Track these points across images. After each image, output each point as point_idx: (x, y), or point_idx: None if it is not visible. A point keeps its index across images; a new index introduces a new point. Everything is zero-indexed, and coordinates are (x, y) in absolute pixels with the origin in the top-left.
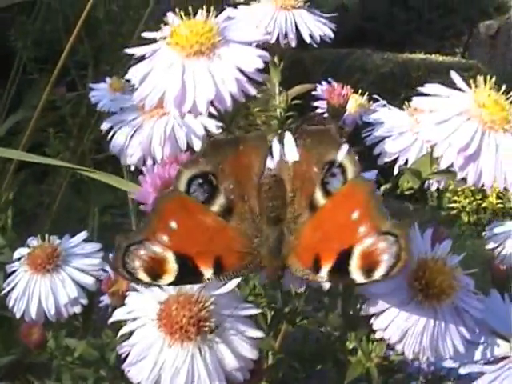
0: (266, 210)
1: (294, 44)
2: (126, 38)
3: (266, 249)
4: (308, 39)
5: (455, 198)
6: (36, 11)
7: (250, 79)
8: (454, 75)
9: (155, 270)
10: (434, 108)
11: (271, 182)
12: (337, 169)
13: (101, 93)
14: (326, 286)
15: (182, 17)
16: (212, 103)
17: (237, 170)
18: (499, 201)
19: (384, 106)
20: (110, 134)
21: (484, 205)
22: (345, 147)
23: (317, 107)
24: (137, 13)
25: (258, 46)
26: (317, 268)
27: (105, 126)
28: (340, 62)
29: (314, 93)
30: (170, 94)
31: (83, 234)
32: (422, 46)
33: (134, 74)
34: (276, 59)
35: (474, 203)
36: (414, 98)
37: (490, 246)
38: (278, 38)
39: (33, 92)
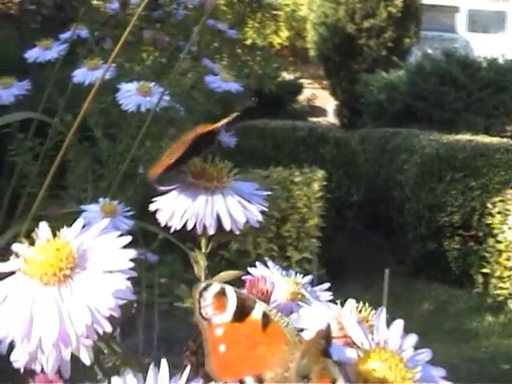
0: None
1: (212, 231)
2: None
3: None
4: (228, 227)
5: (501, 284)
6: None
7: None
8: None
9: None
10: None
11: None
12: None
13: (93, 215)
14: None
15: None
16: None
17: None
18: None
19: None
20: None
21: None
22: None
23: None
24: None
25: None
26: None
27: None
28: (386, 142)
29: (244, 278)
30: (16, 330)
31: None
32: (471, 125)
33: None
34: (203, 242)
35: None
36: None
37: None
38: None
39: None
